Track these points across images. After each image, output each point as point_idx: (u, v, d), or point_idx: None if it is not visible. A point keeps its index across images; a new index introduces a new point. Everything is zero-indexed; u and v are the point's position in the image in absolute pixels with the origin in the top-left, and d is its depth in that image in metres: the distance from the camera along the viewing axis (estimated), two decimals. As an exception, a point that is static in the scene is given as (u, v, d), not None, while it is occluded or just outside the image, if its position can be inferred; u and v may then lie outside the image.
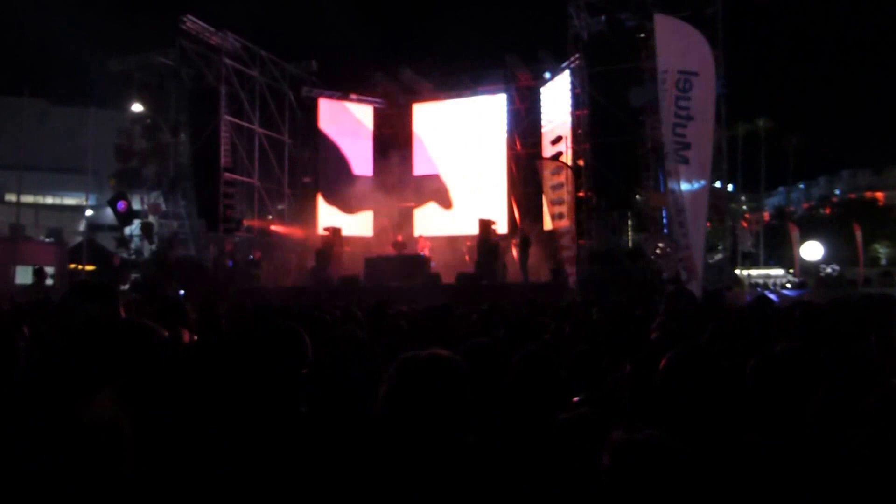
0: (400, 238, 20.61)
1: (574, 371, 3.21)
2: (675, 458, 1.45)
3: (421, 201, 23.91)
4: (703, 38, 11.11)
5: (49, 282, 21.42)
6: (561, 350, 3.70)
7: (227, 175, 20.76)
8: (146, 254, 21.44)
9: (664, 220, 17.80)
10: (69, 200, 43.15)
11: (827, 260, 38.29)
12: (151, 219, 21.58)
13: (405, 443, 1.95)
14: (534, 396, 2.65)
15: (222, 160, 20.46)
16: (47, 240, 27.77)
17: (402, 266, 18.16)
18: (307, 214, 23.00)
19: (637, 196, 19.14)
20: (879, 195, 61.64)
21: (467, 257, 20.11)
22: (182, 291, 15.65)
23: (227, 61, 21.04)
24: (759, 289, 28.17)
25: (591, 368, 3.24)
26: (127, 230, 21.65)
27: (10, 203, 33.19)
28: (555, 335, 4.50)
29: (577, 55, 19.70)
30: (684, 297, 4.71)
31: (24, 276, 20.30)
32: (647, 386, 2.48)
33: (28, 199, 38.23)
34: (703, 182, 10.61)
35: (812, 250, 36.19)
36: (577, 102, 19.81)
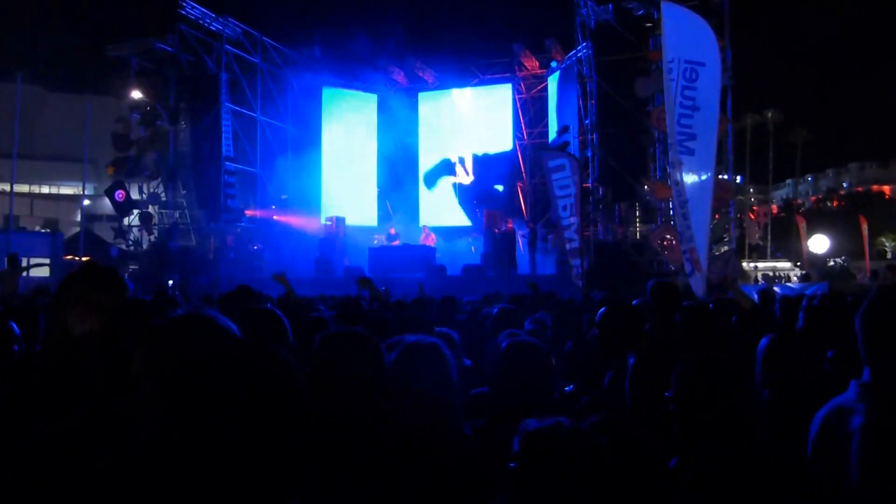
0: (392, 230, 20.35)
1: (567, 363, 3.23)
2: (582, 447, 1.44)
3: (426, 191, 23.66)
4: (710, 28, 10.77)
5: (46, 271, 21.31)
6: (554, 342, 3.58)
7: (229, 164, 20.48)
8: (145, 245, 21.19)
9: (671, 212, 17.60)
10: (66, 190, 42.89)
11: (833, 253, 38.10)
12: (151, 209, 21.32)
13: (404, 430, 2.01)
14: (521, 386, 2.61)
15: (223, 149, 20.16)
16: (43, 230, 27.51)
17: (406, 257, 17.96)
18: (310, 204, 22.70)
19: (646, 187, 18.89)
20: (886, 188, 61.48)
21: (473, 248, 19.91)
22: (170, 282, 15.40)
23: (228, 48, 20.71)
24: (763, 282, 27.93)
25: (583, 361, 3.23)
26: (125, 220, 21.41)
27: (4, 192, 32.87)
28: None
29: (584, 44, 19.43)
30: (669, 290, 4.32)
31: (19, 267, 20.01)
32: (649, 380, 2.47)
33: (23, 188, 37.81)
34: (708, 174, 10.31)
35: (819, 243, 35.99)
36: (584, 92, 19.57)
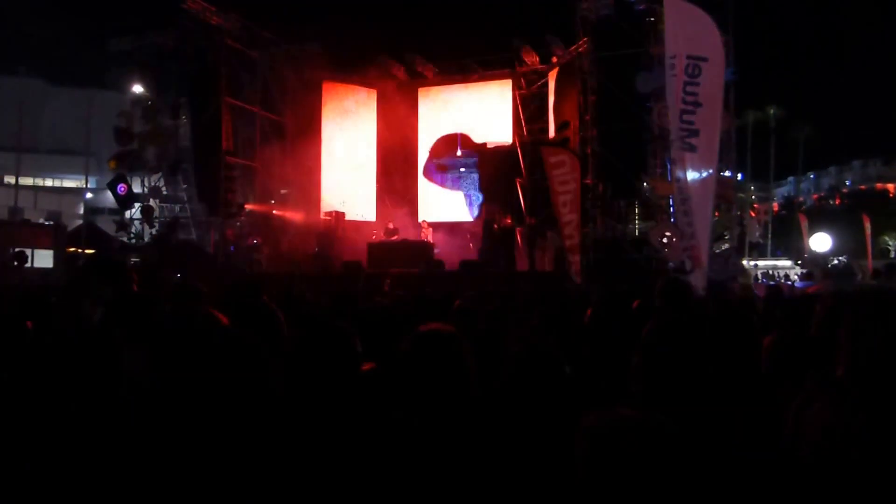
0: (391, 225, 20.37)
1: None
2: (657, 439, 1.34)
3: (424, 186, 23.65)
4: (714, 23, 10.71)
5: (49, 265, 21.36)
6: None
7: (229, 158, 20.48)
8: (147, 238, 21.26)
9: (671, 209, 17.58)
10: (68, 183, 42.97)
11: (836, 251, 38.00)
12: (152, 202, 21.39)
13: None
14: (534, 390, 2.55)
15: (223, 143, 20.17)
16: (46, 223, 27.64)
17: (404, 252, 17.98)
18: (309, 198, 22.71)
19: (644, 184, 18.86)
20: (890, 186, 61.21)
21: (471, 244, 19.88)
22: (178, 275, 15.46)
23: (229, 42, 20.69)
24: (764, 280, 27.92)
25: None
26: (127, 214, 21.51)
27: (8, 185, 32.91)
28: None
29: (584, 39, 19.35)
30: (680, 287, 4.37)
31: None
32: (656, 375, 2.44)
33: (27, 181, 37.85)
34: (710, 170, 10.29)
35: (821, 241, 35.86)
36: (584, 88, 19.50)
